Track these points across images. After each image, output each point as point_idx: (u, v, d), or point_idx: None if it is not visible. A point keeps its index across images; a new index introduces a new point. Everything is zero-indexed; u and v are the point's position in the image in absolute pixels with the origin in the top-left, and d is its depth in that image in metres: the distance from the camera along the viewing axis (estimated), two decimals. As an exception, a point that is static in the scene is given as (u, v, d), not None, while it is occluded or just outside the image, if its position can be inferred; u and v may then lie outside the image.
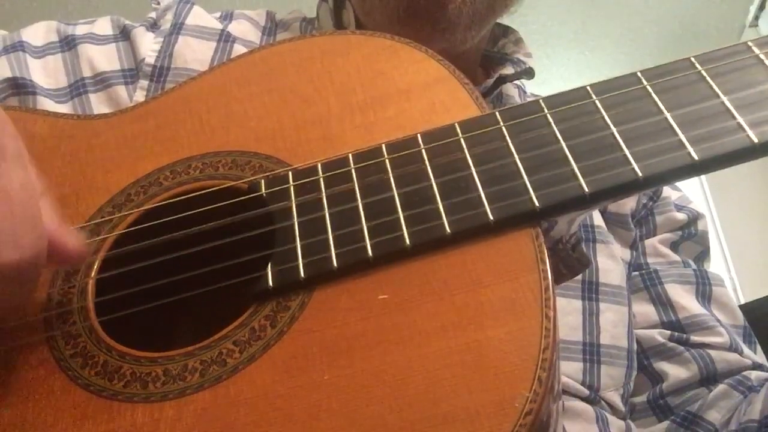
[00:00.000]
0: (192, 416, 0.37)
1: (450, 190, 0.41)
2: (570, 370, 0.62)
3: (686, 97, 0.41)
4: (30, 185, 0.37)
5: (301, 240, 0.41)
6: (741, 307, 0.75)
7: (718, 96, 0.41)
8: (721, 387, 0.65)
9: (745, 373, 0.66)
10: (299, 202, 0.43)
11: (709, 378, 0.66)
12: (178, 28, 0.70)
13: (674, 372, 0.67)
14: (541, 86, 0.77)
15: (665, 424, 0.66)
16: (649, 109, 0.41)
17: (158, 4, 0.75)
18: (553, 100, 0.43)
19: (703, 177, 2.93)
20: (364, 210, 0.41)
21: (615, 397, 0.64)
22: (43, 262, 0.38)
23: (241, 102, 0.51)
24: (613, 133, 0.41)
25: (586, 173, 0.39)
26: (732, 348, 0.68)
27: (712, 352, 0.67)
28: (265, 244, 0.42)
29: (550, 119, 0.42)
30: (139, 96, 0.66)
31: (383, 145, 0.44)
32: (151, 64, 0.67)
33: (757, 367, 0.67)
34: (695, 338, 0.68)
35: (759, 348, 0.71)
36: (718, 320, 0.70)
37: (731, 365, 0.67)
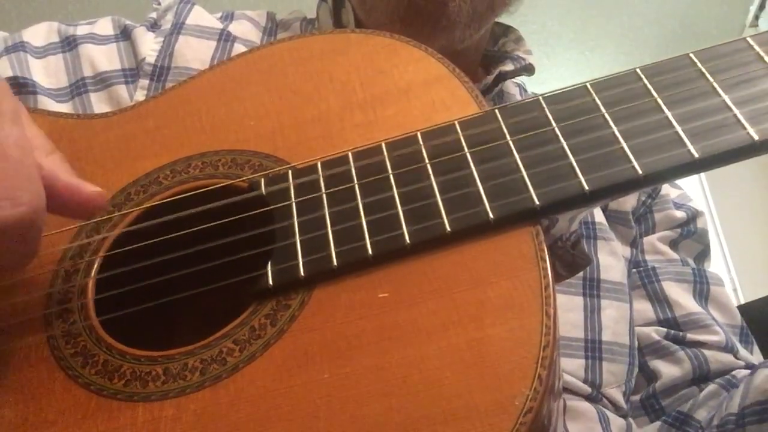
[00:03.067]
0: (192, 415, 0.37)
1: (450, 188, 0.41)
2: (571, 367, 0.62)
3: (686, 95, 0.41)
4: (26, 143, 0.37)
5: (300, 238, 0.41)
6: (740, 306, 0.75)
7: (718, 93, 0.41)
8: (711, 386, 0.65)
9: (734, 372, 0.66)
10: (299, 200, 0.43)
11: (701, 378, 0.66)
12: (178, 27, 0.70)
13: (668, 371, 0.67)
14: (541, 86, 0.77)
15: (657, 424, 0.66)
16: (649, 107, 0.41)
17: (159, 4, 0.75)
18: (553, 98, 0.43)
19: (703, 176, 2.93)
20: (363, 208, 0.41)
21: (617, 394, 0.64)
22: (43, 218, 0.38)
23: (241, 101, 0.51)
24: (613, 131, 0.41)
25: (587, 171, 0.39)
26: (727, 347, 0.68)
27: (707, 352, 0.67)
28: (265, 242, 0.42)
29: (550, 117, 0.42)
30: (140, 95, 0.66)
31: (383, 144, 0.44)
32: (152, 64, 0.67)
33: (750, 368, 0.67)
34: (691, 336, 0.68)
35: (756, 348, 0.71)
36: (715, 319, 0.70)
37: (725, 366, 0.67)
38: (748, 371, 0.66)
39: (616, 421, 0.63)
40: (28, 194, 0.36)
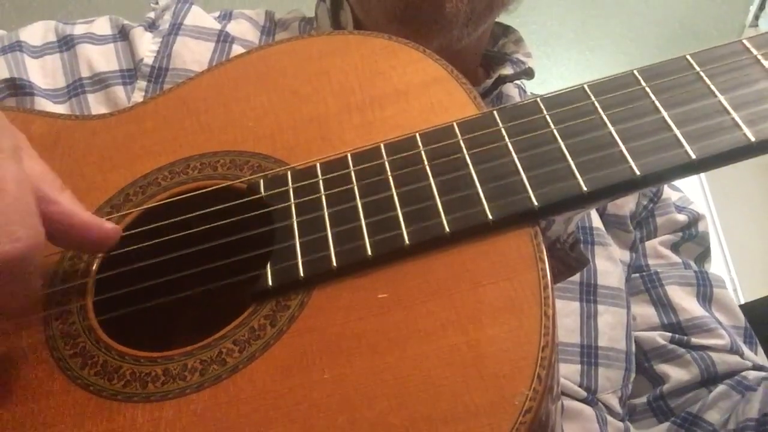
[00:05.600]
0: (192, 416, 0.37)
1: (449, 189, 0.41)
2: (567, 373, 0.62)
3: (683, 96, 0.41)
4: (24, 179, 0.37)
5: (300, 239, 0.41)
6: (741, 306, 0.75)
7: (715, 95, 0.41)
8: (720, 387, 0.65)
9: (743, 373, 0.66)
10: (298, 201, 0.43)
11: (710, 380, 0.66)
12: (176, 28, 0.70)
13: (675, 374, 0.67)
14: (541, 86, 0.77)
15: (666, 425, 0.66)
16: (646, 109, 0.41)
17: (157, 3, 0.75)
18: (552, 100, 0.43)
19: (703, 177, 2.93)
20: (363, 209, 0.41)
21: (612, 400, 0.64)
22: (39, 256, 0.37)
23: (240, 102, 0.51)
24: (610, 132, 0.41)
25: (584, 172, 0.39)
26: (733, 350, 0.68)
27: (713, 354, 0.67)
28: (265, 243, 0.42)
29: (549, 119, 0.42)
30: (137, 96, 0.66)
31: (382, 145, 0.44)
32: (150, 65, 0.67)
33: (757, 368, 0.67)
34: (696, 340, 0.68)
35: (760, 349, 0.71)
36: (719, 322, 0.70)
37: (732, 367, 0.67)
38: (761, 373, 0.66)
39: (614, 424, 0.63)
40: (25, 230, 0.36)
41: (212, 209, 0.45)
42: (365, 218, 0.41)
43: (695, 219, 0.76)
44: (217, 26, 0.72)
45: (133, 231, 0.46)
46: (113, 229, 0.42)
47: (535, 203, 0.39)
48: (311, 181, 0.44)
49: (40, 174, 0.39)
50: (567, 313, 0.64)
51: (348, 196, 0.42)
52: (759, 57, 0.42)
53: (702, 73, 0.42)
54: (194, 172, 0.48)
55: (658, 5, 2.59)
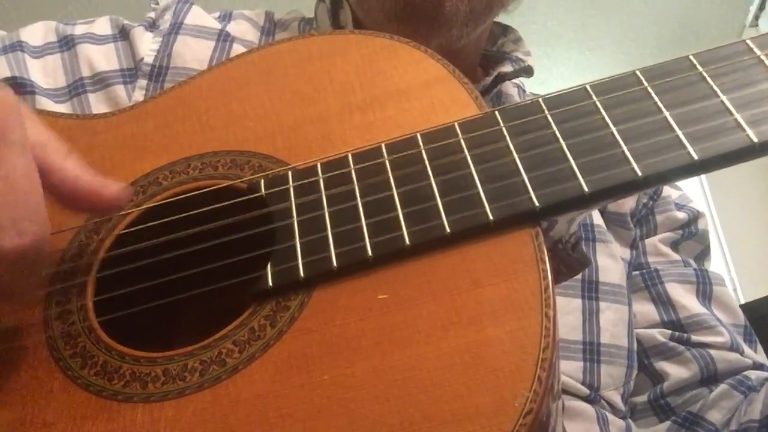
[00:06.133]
0: (191, 416, 0.37)
1: (450, 189, 0.41)
2: (570, 370, 0.62)
3: (686, 97, 0.41)
4: (32, 174, 0.38)
5: (300, 239, 0.41)
6: (741, 306, 0.75)
7: (717, 95, 0.41)
8: (722, 387, 0.65)
9: (745, 373, 0.66)
10: (299, 201, 0.43)
11: (709, 378, 0.67)
12: (176, 27, 0.70)
13: (675, 372, 0.67)
14: (541, 86, 0.77)
15: (666, 424, 0.66)
16: (648, 109, 0.41)
17: (157, 3, 0.75)
18: (553, 101, 0.43)
19: (703, 177, 2.93)
20: (363, 209, 0.41)
21: (615, 397, 0.64)
22: (46, 249, 0.38)
23: (240, 102, 0.51)
24: (612, 133, 0.41)
25: (586, 172, 0.39)
26: (733, 348, 0.68)
27: (713, 352, 0.67)
28: (265, 243, 0.42)
29: (550, 119, 0.42)
30: (138, 96, 0.66)
31: (383, 145, 0.44)
32: (150, 64, 0.67)
33: (757, 366, 0.68)
34: (696, 338, 0.68)
35: (759, 347, 0.71)
36: (719, 320, 0.70)
37: (732, 365, 0.67)
38: (764, 373, 0.66)
39: (616, 422, 0.63)
40: (32, 225, 0.36)
41: (213, 209, 0.45)
42: (366, 218, 0.41)
43: (695, 217, 0.76)
44: (218, 26, 0.72)
45: (133, 229, 0.46)
46: (119, 189, 0.42)
47: (536, 204, 0.39)
48: (312, 180, 0.44)
49: (46, 141, 0.40)
50: (569, 311, 0.64)
51: (348, 196, 0.42)
52: (762, 57, 0.42)
53: (705, 74, 0.42)
54: (195, 171, 0.48)
55: (658, 5, 2.60)
